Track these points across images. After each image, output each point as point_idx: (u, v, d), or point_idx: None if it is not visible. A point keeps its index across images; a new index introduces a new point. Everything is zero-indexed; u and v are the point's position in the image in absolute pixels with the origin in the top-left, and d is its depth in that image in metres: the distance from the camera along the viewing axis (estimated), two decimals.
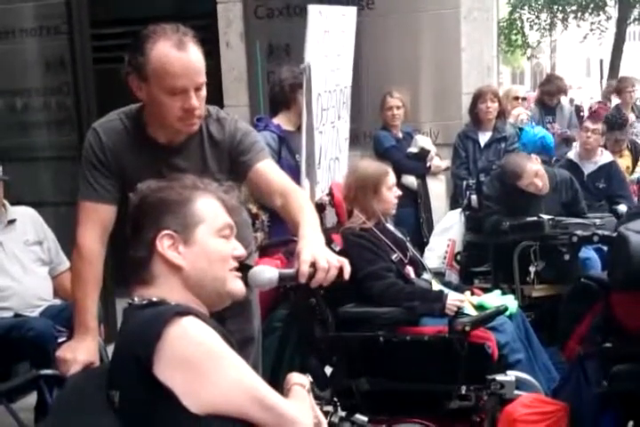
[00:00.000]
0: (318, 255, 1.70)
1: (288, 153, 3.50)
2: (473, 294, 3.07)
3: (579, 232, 2.73)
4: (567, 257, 3.28)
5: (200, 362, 1.30)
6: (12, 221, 3.04)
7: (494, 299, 2.99)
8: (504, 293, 3.22)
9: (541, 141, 5.22)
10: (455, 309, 2.77)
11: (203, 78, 1.92)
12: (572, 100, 15.07)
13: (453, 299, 2.81)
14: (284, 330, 2.66)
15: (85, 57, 3.99)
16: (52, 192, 4.27)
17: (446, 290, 2.95)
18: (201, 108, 1.95)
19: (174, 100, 1.90)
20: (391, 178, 3.08)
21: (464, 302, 2.83)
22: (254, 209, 3.32)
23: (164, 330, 1.29)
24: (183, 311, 1.35)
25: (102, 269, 2.04)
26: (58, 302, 3.02)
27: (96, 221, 2.03)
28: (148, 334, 1.30)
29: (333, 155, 3.72)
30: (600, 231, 2.64)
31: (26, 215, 3.08)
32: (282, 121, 3.60)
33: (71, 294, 2.09)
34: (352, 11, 3.99)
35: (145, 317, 1.36)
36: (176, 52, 1.86)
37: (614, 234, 2.41)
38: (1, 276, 2.93)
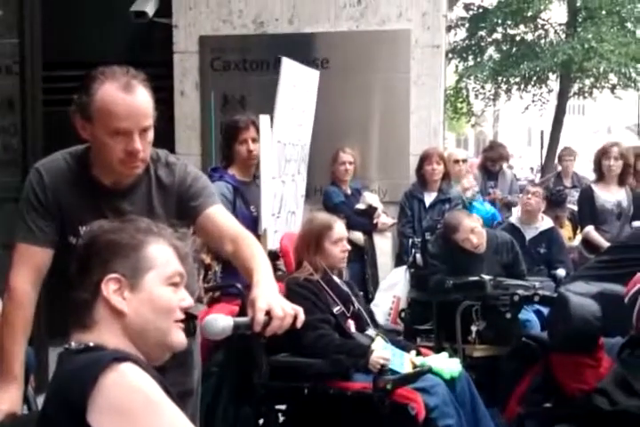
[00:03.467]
0: (273, 303, 1.67)
1: (243, 203, 3.49)
2: (419, 353, 3.07)
3: (520, 291, 2.78)
4: (509, 315, 3.32)
5: (136, 410, 1.24)
6: None
7: (440, 361, 2.98)
8: (450, 355, 3.22)
9: (492, 218, 5.42)
10: (378, 365, 2.74)
11: (148, 122, 1.90)
12: (510, 167, 15.60)
13: (378, 356, 2.79)
14: (219, 375, 2.60)
15: (35, 98, 3.94)
16: None
17: (386, 347, 2.93)
18: (145, 152, 1.92)
19: (117, 141, 1.87)
20: (336, 232, 3.06)
21: (389, 360, 2.80)
22: (207, 259, 3.27)
23: (100, 375, 1.24)
24: (121, 357, 1.30)
25: (32, 315, 1.96)
26: None
27: (30, 263, 1.96)
28: (84, 380, 1.25)
29: (291, 208, 3.75)
30: (541, 291, 2.70)
31: None
32: (236, 171, 3.61)
33: None
34: (315, 74, 4.11)
35: (80, 362, 1.31)
36: (122, 94, 1.85)
37: (555, 295, 2.45)
38: None
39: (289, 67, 3.41)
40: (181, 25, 5.24)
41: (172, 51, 5.25)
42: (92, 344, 1.36)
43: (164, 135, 4.20)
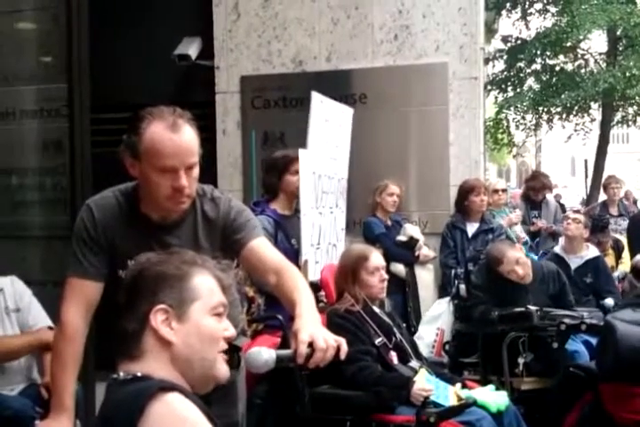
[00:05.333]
0: (316, 335, 1.68)
1: (284, 237, 3.54)
2: (465, 386, 3.03)
3: (567, 320, 2.73)
4: (555, 345, 3.26)
5: None
6: (0, 291, 3.11)
7: (486, 394, 2.94)
8: (497, 387, 3.17)
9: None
10: (421, 398, 2.72)
11: (194, 159, 1.96)
12: (559, 197, 15.39)
13: (420, 388, 2.76)
14: (262, 407, 2.61)
15: (84, 140, 4.07)
16: (39, 271, 4.25)
17: (429, 379, 2.90)
18: (191, 188, 1.98)
19: (164, 178, 1.93)
20: (373, 262, 3.07)
21: (431, 391, 2.77)
22: (251, 292, 3.31)
23: (147, 406, 1.27)
24: (167, 387, 1.33)
25: (83, 348, 2.01)
26: (38, 380, 2.96)
27: (81, 297, 2.02)
28: (131, 409, 1.27)
29: (331, 240, 3.78)
30: (588, 320, 2.65)
31: (9, 285, 3.14)
32: (278, 206, 3.67)
33: (49, 371, 2.05)
34: (349, 110, 4.18)
35: (128, 392, 1.34)
36: (169, 133, 1.92)
37: (602, 323, 2.41)
38: None
39: (319, 101, 3.48)
40: (223, 66, 5.39)
41: (215, 91, 5.39)
42: (139, 374, 1.38)
43: (207, 172, 4.31)
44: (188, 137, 1.95)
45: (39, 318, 3.09)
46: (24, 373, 2.97)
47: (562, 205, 11.46)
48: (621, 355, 2.07)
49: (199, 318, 1.45)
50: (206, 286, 1.48)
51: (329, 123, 3.66)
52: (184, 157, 1.93)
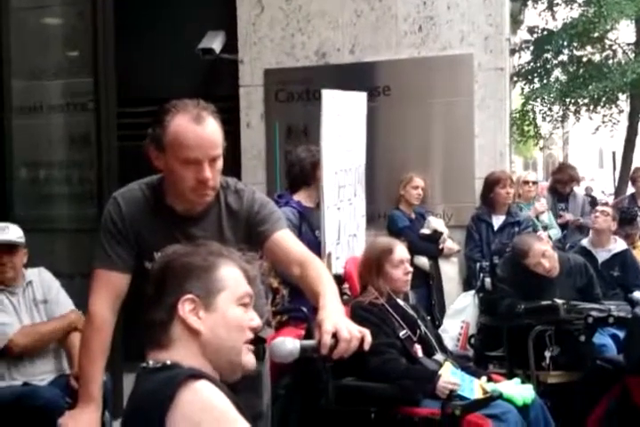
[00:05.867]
0: (340, 326, 1.68)
1: (308, 228, 3.56)
2: (490, 379, 3.01)
3: (594, 313, 2.70)
4: (583, 338, 3.23)
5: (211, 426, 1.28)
6: (29, 283, 3.17)
7: (512, 387, 2.92)
8: (522, 381, 3.15)
9: None
10: (447, 391, 2.72)
11: (217, 151, 1.97)
12: (589, 189, 15.21)
13: (445, 381, 2.75)
14: (286, 398, 2.62)
15: (110, 134, 4.12)
16: (67, 263, 4.31)
17: (455, 372, 2.89)
18: (214, 180, 1.99)
19: (188, 170, 1.95)
20: (397, 255, 3.07)
21: (457, 385, 2.76)
22: (275, 283, 3.33)
23: (176, 393, 1.29)
24: (197, 375, 1.35)
25: (110, 339, 2.03)
26: (67, 371, 3.00)
27: (109, 289, 2.05)
28: (161, 397, 1.29)
29: (351, 231, 3.77)
30: (615, 313, 2.61)
31: (37, 276, 3.21)
32: (302, 198, 3.69)
33: (78, 361, 2.08)
34: (362, 96, 4.15)
35: (157, 380, 1.36)
36: (193, 125, 1.93)
37: (629, 316, 2.38)
38: None
39: (330, 98, 3.48)
40: (246, 60, 5.40)
41: (238, 84, 5.40)
42: (169, 362, 1.40)
43: (231, 165, 4.32)
44: (211, 129, 1.96)
45: (67, 308, 3.14)
46: (53, 363, 3.03)
47: (593, 198, 11.32)
48: None
49: (226, 308, 1.47)
50: (232, 276, 1.50)
51: (341, 117, 3.65)
52: (208, 149, 1.94)
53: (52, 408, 2.59)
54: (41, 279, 3.19)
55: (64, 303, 3.18)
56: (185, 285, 1.45)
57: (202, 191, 1.99)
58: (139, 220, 2.08)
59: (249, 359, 1.51)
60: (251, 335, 1.51)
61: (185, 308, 1.44)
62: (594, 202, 8.92)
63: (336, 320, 1.71)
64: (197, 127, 1.93)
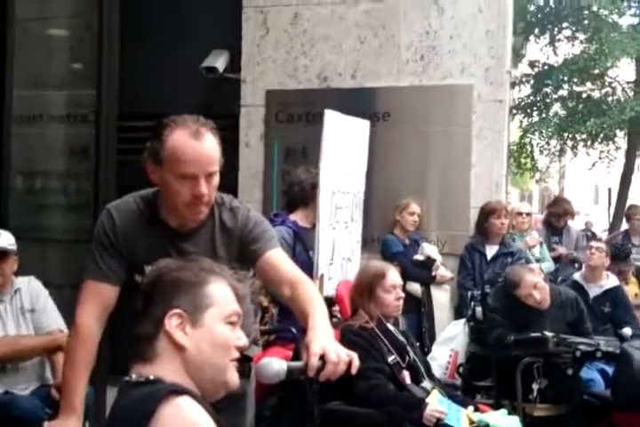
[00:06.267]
0: (328, 348, 1.67)
1: (302, 249, 3.56)
2: (477, 409, 2.99)
3: (582, 347, 2.69)
4: (570, 372, 3.21)
5: None
6: (17, 291, 3.16)
7: (498, 418, 2.90)
8: (509, 412, 3.13)
9: None
10: (434, 420, 2.69)
11: (215, 167, 1.97)
12: (588, 224, 15.22)
13: (433, 409, 2.73)
14: (272, 420, 2.59)
15: (109, 146, 4.12)
16: (59, 273, 4.29)
17: (442, 401, 2.87)
18: (210, 196, 1.99)
19: (184, 185, 1.94)
20: (390, 279, 3.06)
21: (444, 413, 2.73)
22: (265, 302, 3.32)
23: (157, 408, 1.27)
24: (179, 391, 1.33)
25: (96, 350, 2.02)
26: (50, 381, 2.97)
27: (97, 300, 2.03)
28: (142, 412, 1.28)
29: (346, 255, 3.77)
30: (604, 347, 2.60)
31: (26, 284, 3.19)
32: (298, 218, 3.70)
33: (61, 372, 2.06)
34: (365, 124, 4.18)
35: (140, 394, 1.34)
36: (191, 141, 1.93)
37: (618, 351, 2.37)
38: None
39: (333, 118, 3.50)
40: (249, 80, 5.44)
41: (240, 104, 5.43)
42: (152, 377, 1.39)
43: (228, 184, 4.33)
44: (209, 145, 1.96)
45: (53, 319, 3.12)
46: (37, 373, 3.01)
47: (594, 234, 11.32)
48: (637, 383, 2.03)
49: (213, 325, 1.45)
50: (222, 293, 1.49)
51: (343, 138, 3.67)
52: (205, 165, 1.95)
53: (29, 419, 2.56)
54: (30, 288, 3.17)
55: (51, 313, 3.16)
56: (173, 299, 1.44)
57: (197, 207, 1.99)
58: (132, 233, 2.07)
59: (234, 378, 1.49)
60: (236, 354, 1.49)
61: (172, 322, 1.43)
62: (594, 237, 8.94)
63: (324, 342, 1.71)
64: (196, 143, 1.94)
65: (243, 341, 1.51)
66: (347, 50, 5.33)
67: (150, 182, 2.06)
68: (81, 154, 4.44)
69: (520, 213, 5.56)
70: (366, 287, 3.03)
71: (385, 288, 3.03)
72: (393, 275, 3.09)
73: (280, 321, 3.32)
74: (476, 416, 2.88)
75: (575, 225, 7.61)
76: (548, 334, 3.67)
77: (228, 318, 1.48)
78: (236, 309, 1.51)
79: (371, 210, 4.55)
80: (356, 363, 1.70)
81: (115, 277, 2.05)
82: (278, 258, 2.10)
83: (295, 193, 3.77)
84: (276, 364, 1.66)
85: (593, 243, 4.92)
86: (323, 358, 1.66)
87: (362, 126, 4.10)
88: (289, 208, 3.82)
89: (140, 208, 2.10)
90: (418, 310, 4.60)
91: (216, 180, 2.00)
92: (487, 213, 4.87)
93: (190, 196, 1.96)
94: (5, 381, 2.91)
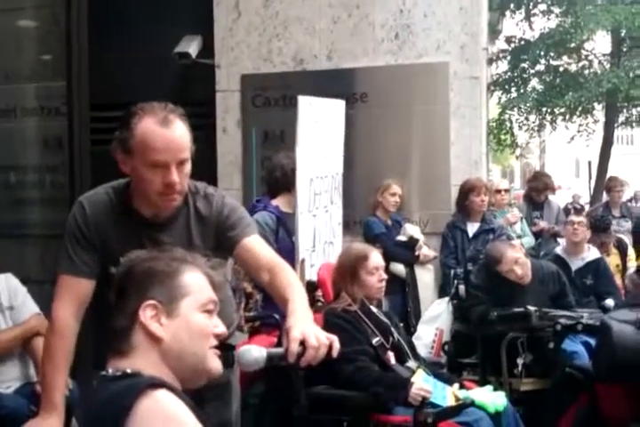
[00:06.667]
0: (308, 333, 1.67)
1: (285, 234, 3.54)
2: (462, 386, 3.01)
3: (562, 320, 2.70)
4: (551, 345, 3.23)
5: None
6: None
7: (484, 394, 2.92)
8: (495, 388, 3.15)
9: None
10: (419, 398, 2.69)
11: (185, 154, 1.94)
12: (576, 197, 15.29)
13: (418, 388, 2.74)
14: (259, 407, 2.59)
15: (82, 138, 4.07)
16: (38, 269, 4.25)
17: (427, 379, 2.88)
18: (182, 184, 1.96)
19: (155, 174, 1.92)
20: (372, 261, 3.05)
21: (430, 392, 2.75)
22: (249, 288, 3.31)
23: (135, 402, 1.26)
24: (157, 384, 1.32)
25: (74, 345, 2.00)
26: (34, 378, 2.95)
27: (73, 295, 2.01)
28: (119, 406, 1.26)
29: (327, 239, 3.76)
30: (585, 320, 2.62)
31: (3, 282, 3.14)
32: (280, 203, 3.68)
33: (40, 369, 2.04)
34: (341, 103, 4.15)
35: (117, 389, 1.33)
36: (159, 128, 1.90)
37: (598, 323, 2.39)
38: None
39: (307, 104, 3.47)
40: (223, 64, 5.38)
41: (215, 89, 5.38)
42: (129, 371, 1.38)
43: (207, 172, 4.30)
44: (179, 132, 1.94)
45: (28, 307, 3.08)
46: (20, 371, 2.97)
47: (582, 206, 11.35)
48: (616, 354, 2.05)
49: (189, 314, 1.44)
50: (196, 282, 1.48)
51: (319, 123, 3.64)
52: (175, 153, 1.92)
53: (15, 417, 2.54)
54: (7, 285, 3.14)
55: (30, 310, 3.13)
56: (147, 291, 1.43)
57: (169, 195, 1.96)
58: (104, 223, 2.04)
59: (216, 365, 1.48)
60: (215, 342, 1.48)
61: (146, 314, 1.41)
62: (582, 210, 8.98)
63: (304, 327, 1.70)
64: (165, 130, 1.91)
65: (221, 328, 1.50)
66: (321, 31, 5.28)
67: (126, 173, 2.03)
68: (55, 147, 4.39)
69: (499, 191, 5.57)
70: (349, 270, 3.03)
71: (368, 270, 3.03)
72: (375, 257, 3.08)
73: (264, 307, 3.31)
74: (462, 393, 2.90)
75: (557, 199, 7.64)
76: (531, 308, 3.69)
77: (204, 306, 1.47)
78: (212, 296, 1.50)
79: (352, 193, 4.54)
80: (337, 346, 1.70)
81: (89, 270, 2.02)
82: (255, 244, 2.09)
83: (277, 178, 3.75)
84: (255, 351, 1.65)
85: (573, 217, 4.92)
86: (303, 343, 1.65)
87: (337, 107, 4.07)
88: (271, 194, 3.80)
89: (111, 199, 2.07)
90: (402, 290, 4.61)
91: (188, 167, 1.98)
92: (467, 190, 4.88)
93: (162, 184, 1.93)
94: None
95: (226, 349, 1.80)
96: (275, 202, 3.70)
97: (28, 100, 4.57)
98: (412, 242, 4.71)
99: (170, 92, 5.15)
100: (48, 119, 4.48)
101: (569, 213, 7.17)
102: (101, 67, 4.46)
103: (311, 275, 3.35)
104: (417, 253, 4.72)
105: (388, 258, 4.31)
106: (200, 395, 1.54)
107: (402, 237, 4.74)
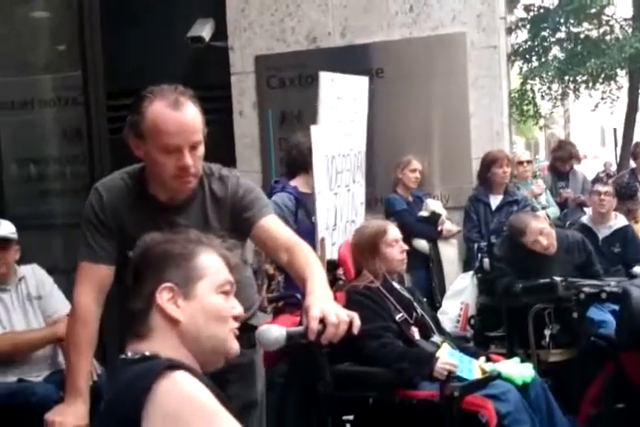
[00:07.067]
0: (327, 310, 1.66)
1: (305, 215, 3.53)
2: (489, 360, 3.00)
3: (586, 289, 2.67)
4: (575, 315, 3.20)
5: (190, 418, 1.25)
6: (22, 279, 3.17)
7: (511, 366, 2.91)
8: (522, 360, 3.13)
9: None
10: (445, 373, 2.68)
11: (198, 137, 1.93)
12: (607, 164, 15.09)
13: (443, 362, 2.72)
14: (284, 386, 2.61)
15: (100, 127, 4.09)
16: (64, 259, 4.31)
17: (452, 353, 2.87)
18: (196, 167, 1.96)
19: (169, 158, 1.91)
20: (391, 234, 3.05)
21: (455, 366, 2.73)
22: (271, 270, 3.32)
23: (154, 384, 1.26)
24: (175, 365, 1.32)
25: (97, 330, 2.02)
26: (63, 366, 3.00)
27: (93, 281, 2.02)
28: (137, 389, 1.27)
29: (349, 217, 3.74)
30: (608, 288, 2.58)
31: (30, 272, 3.20)
32: (299, 183, 3.67)
33: (65, 355, 2.07)
34: (364, 80, 4.10)
35: (135, 372, 1.34)
36: (171, 112, 1.89)
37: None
38: None
39: (330, 79, 3.42)
40: (237, 47, 5.35)
41: (230, 72, 5.36)
42: (147, 353, 1.38)
43: (225, 155, 4.29)
44: (190, 114, 1.92)
45: (60, 305, 3.13)
46: (49, 361, 3.04)
47: (614, 174, 11.17)
48: (636, 321, 2.02)
49: (206, 296, 1.44)
50: (212, 264, 1.48)
51: (342, 100, 3.59)
52: (187, 135, 1.91)
53: (45, 404, 2.58)
54: (34, 275, 3.19)
55: (58, 299, 3.17)
56: (163, 273, 1.43)
57: (183, 179, 1.96)
58: (121, 208, 2.05)
59: (234, 347, 1.48)
60: (235, 324, 1.48)
61: (163, 296, 1.41)
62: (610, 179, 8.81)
63: (323, 305, 1.69)
64: (176, 113, 1.90)
65: (238, 310, 1.49)
66: (333, 7, 5.22)
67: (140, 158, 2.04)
68: (74, 137, 4.41)
69: (521, 162, 5.50)
70: (368, 246, 3.02)
71: (388, 243, 3.03)
72: (393, 230, 3.08)
73: (286, 288, 3.32)
74: (489, 366, 2.88)
75: (583, 169, 7.51)
76: (557, 278, 3.65)
77: (221, 287, 1.47)
78: (229, 278, 1.49)
79: (372, 170, 4.51)
80: (357, 322, 1.69)
81: (108, 256, 2.04)
82: (272, 224, 2.08)
83: (294, 158, 3.74)
84: (275, 330, 1.66)
85: (599, 187, 4.83)
86: (323, 321, 1.65)
87: (360, 83, 4.01)
88: (289, 174, 3.78)
89: (127, 184, 2.08)
90: (426, 266, 4.59)
91: (201, 150, 1.97)
92: (489, 162, 4.82)
93: (176, 168, 1.92)
94: (18, 369, 2.94)
95: (248, 330, 1.81)
96: (293, 182, 3.69)
97: (44, 92, 4.59)
98: (435, 217, 4.69)
99: (185, 76, 5.12)
100: (65, 110, 4.50)
101: (601, 181, 7.06)
102: (116, 55, 4.46)
103: (332, 253, 3.34)
104: (440, 229, 4.70)
105: (411, 234, 4.30)
106: (224, 377, 1.55)
107: (424, 213, 4.72)
